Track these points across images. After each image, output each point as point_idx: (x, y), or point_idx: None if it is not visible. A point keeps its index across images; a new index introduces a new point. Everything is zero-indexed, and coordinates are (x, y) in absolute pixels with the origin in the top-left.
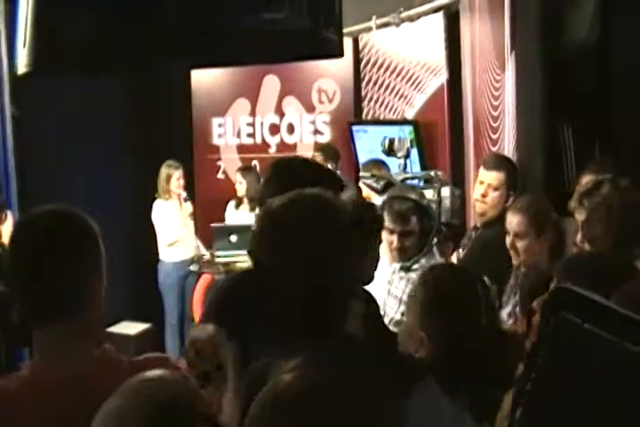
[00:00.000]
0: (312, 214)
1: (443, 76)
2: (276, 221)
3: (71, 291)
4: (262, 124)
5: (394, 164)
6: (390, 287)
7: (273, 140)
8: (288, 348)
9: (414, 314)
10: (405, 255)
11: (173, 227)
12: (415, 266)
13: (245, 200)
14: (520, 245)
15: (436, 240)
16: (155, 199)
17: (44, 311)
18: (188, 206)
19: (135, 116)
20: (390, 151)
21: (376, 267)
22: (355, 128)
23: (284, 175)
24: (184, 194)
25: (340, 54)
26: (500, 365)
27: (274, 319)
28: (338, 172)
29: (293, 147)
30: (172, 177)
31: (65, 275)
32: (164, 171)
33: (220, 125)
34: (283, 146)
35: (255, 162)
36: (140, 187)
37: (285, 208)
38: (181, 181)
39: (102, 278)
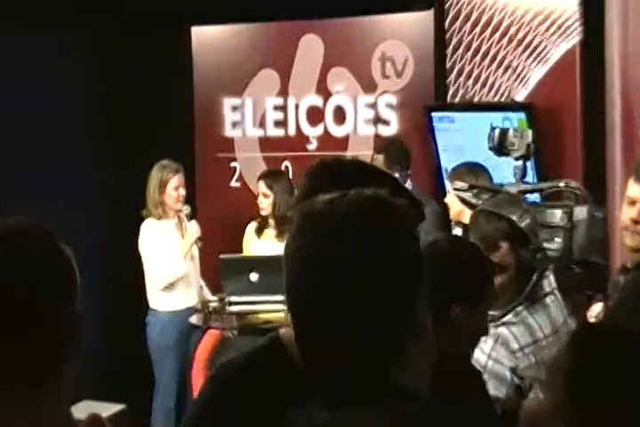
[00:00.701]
0: (366, 223)
1: (573, 39)
2: (314, 227)
3: (46, 344)
4: (297, 107)
5: (501, 168)
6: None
7: (313, 132)
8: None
9: (551, 398)
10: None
11: (172, 259)
12: (510, 317)
13: (272, 221)
14: None
15: (553, 285)
16: (143, 218)
17: (6, 372)
18: (194, 228)
19: (111, 96)
20: (502, 148)
21: (477, 340)
22: (436, 115)
23: (321, 179)
24: (187, 210)
25: (428, 6)
26: None
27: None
28: (408, 182)
29: (343, 142)
30: (169, 185)
31: (41, 319)
32: (156, 176)
33: (234, 109)
34: (327, 140)
35: (287, 164)
36: (118, 200)
37: (330, 210)
38: (182, 191)
39: (80, 321)
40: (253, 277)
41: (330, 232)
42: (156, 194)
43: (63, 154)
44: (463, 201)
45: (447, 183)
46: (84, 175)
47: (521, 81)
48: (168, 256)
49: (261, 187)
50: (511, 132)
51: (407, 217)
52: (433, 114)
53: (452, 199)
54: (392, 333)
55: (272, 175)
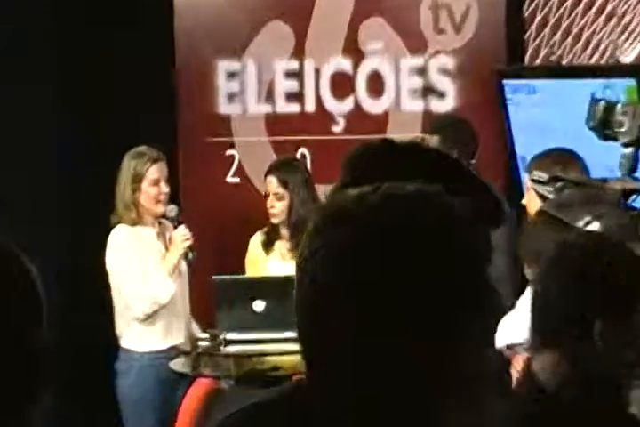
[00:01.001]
0: (398, 224)
1: None
2: (335, 228)
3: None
4: (318, 73)
5: (606, 157)
6: None
7: (339, 108)
8: None
9: None
10: None
11: (154, 279)
12: None
13: (285, 231)
14: None
15: None
16: (111, 226)
17: None
18: (182, 233)
19: (71, 61)
20: (606, 128)
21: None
22: (509, 83)
23: (368, 172)
24: (173, 211)
25: None
26: None
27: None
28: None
29: (381, 121)
30: (145, 179)
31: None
32: (128, 167)
33: (232, 76)
34: (359, 119)
35: (303, 151)
36: (79, 201)
37: (357, 207)
38: (164, 188)
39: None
40: (258, 306)
41: (353, 233)
42: (128, 191)
43: (23, 146)
44: (542, 198)
45: (525, 177)
46: (36, 169)
47: (629, 36)
48: (147, 275)
49: (272, 184)
50: (619, 107)
51: (461, 222)
52: (505, 82)
53: (531, 198)
54: (429, 370)
55: (286, 167)
